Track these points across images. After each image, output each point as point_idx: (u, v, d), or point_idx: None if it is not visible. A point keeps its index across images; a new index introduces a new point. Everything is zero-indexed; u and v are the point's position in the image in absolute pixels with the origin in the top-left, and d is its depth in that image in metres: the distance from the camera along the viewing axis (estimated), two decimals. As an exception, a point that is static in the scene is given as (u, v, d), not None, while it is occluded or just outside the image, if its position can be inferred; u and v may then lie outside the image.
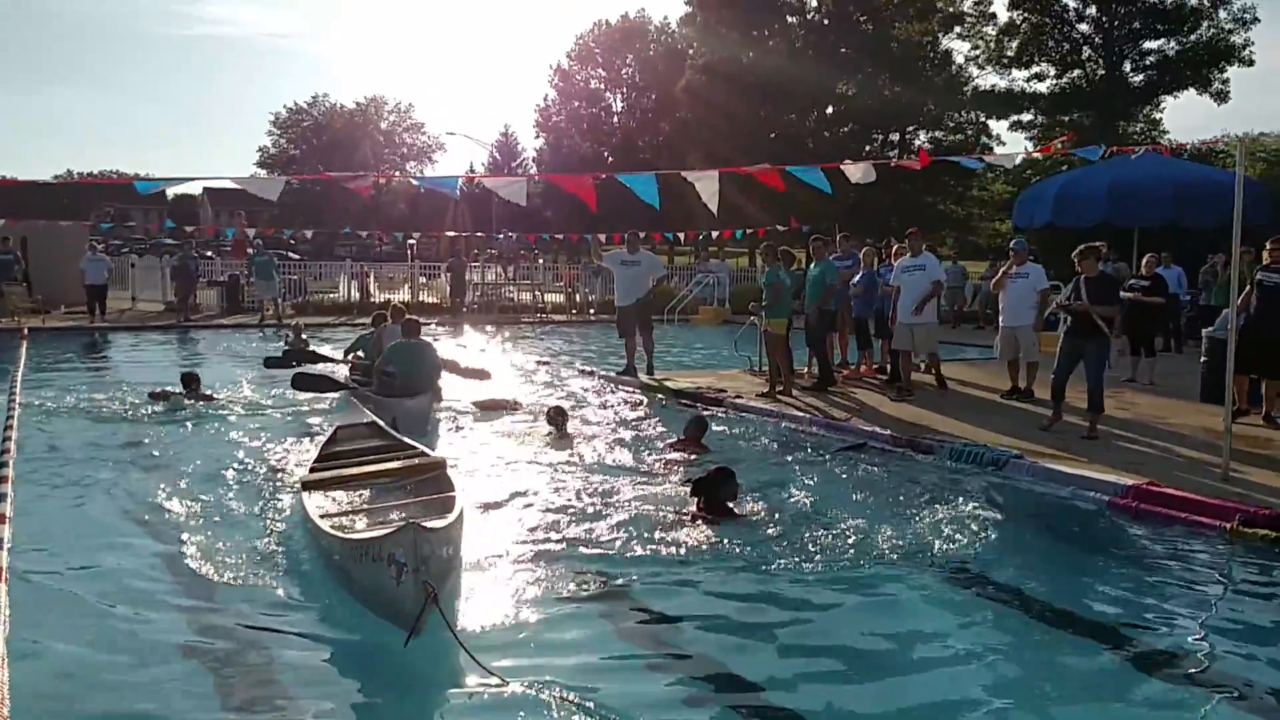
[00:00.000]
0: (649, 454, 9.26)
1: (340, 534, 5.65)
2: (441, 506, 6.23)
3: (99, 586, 5.59)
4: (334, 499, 7.04)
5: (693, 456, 8.99)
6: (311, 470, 7.53)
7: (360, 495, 7.20)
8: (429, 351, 11.25)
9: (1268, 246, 10.41)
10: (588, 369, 15.35)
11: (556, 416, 10.42)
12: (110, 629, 5.00)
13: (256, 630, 5.05)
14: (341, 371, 12.72)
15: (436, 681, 4.57)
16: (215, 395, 11.87)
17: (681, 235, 27.55)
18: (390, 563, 4.72)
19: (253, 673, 4.63)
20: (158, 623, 5.10)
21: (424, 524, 4.90)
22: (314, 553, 6.01)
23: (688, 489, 7.28)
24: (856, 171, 8.82)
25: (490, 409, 11.51)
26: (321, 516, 6.21)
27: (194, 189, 77.56)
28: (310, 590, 5.60)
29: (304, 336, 18.70)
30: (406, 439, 8.55)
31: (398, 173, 71.70)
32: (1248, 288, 10.18)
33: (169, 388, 11.89)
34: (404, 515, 6.25)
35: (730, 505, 7.00)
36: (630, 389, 13.33)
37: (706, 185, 9.41)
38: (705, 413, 10.92)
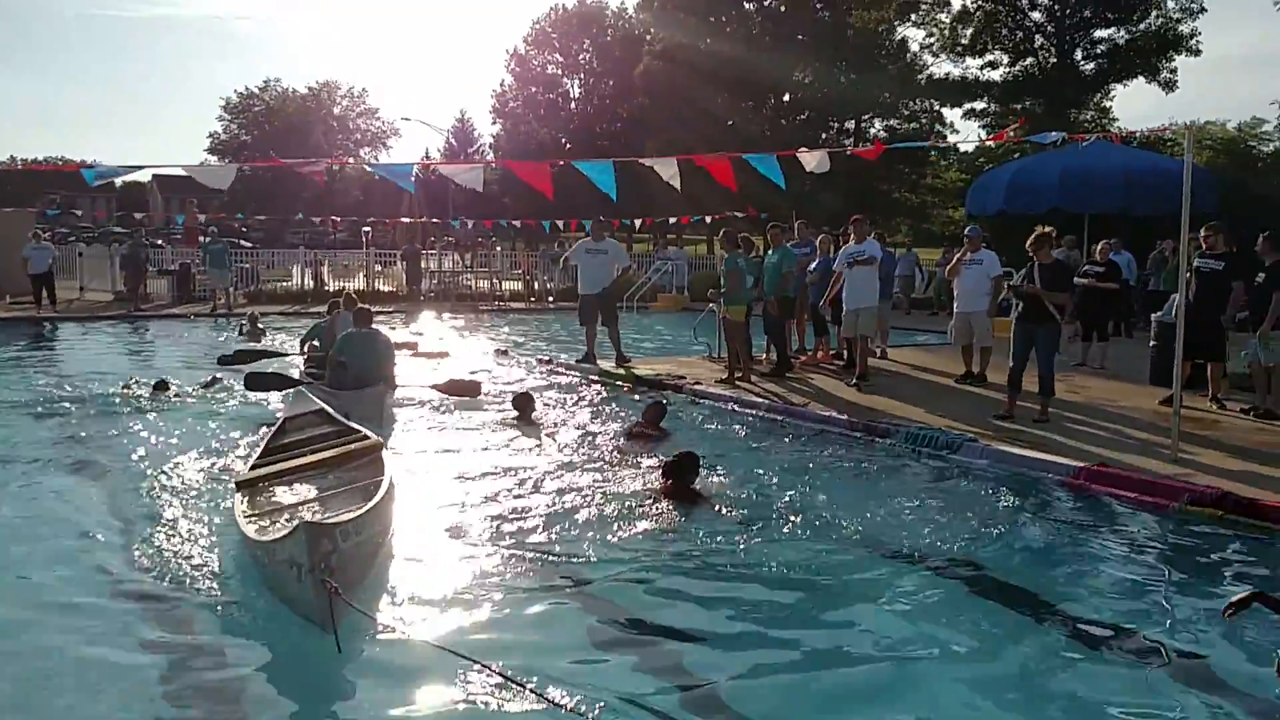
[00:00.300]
0: (610, 439, 9.29)
1: (257, 538, 5.48)
2: (368, 493, 6.10)
3: (25, 595, 5.38)
4: (268, 496, 6.86)
5: (652, 440, 9.03)
6: (252, 467, 7.40)
7: (294, 489, 7.03)
8: (380, 341, 11.11)
9: (1201, 234, 10.54)
10: (546, 357, 15.30)
11: (522, 402, 10.41)
12: (35, 641, 4.79)
13: (190, 641, 4.85)
14: (297, 364, 12.59)
15: (370, 673, 4.50)
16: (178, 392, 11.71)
17: (638, 222, 27.53)
18: (291, 564, 4.64)
19: (184, 686, 4.40)
20: (88, 632, 4.88)
21: (322, 520, 4.81)
22: (248, 558, 5.80)
23: (649, 473, 7.31)
24: (812, 160, 8.87)
25: (451, 392, 11.44)
26: (252, 516, 6.07)
27: (143, 176, 75.96)
28: (245, 598, 5.31)
29: (260, 326, 18.45)
30: (354, 424, 8.43)
31: (351, 159, 70.81)
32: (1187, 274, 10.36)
33: (167, 378, 11.98)
34: (326, 509, 6.17)
35: (694, 488, 7.05)
36: (591, 376, 13.32)
37: (665, 168, 9.41)
38: (664, 399, 10.96)
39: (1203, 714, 4.08)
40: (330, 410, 9.12)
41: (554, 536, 6.33)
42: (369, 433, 8.03)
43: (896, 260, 18.76)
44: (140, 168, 6.80)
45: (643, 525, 6.47)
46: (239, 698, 4.30)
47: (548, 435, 9.52)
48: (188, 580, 5.57)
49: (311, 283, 28.00)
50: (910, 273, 25.38)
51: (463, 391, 11.50)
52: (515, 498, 7.25)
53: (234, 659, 4.67)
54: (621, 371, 13.24)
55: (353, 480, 6.85)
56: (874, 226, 21.12)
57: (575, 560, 5.91)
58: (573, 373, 13.80)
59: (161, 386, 11.65)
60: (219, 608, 5.21)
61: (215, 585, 5.50)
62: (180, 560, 5.87)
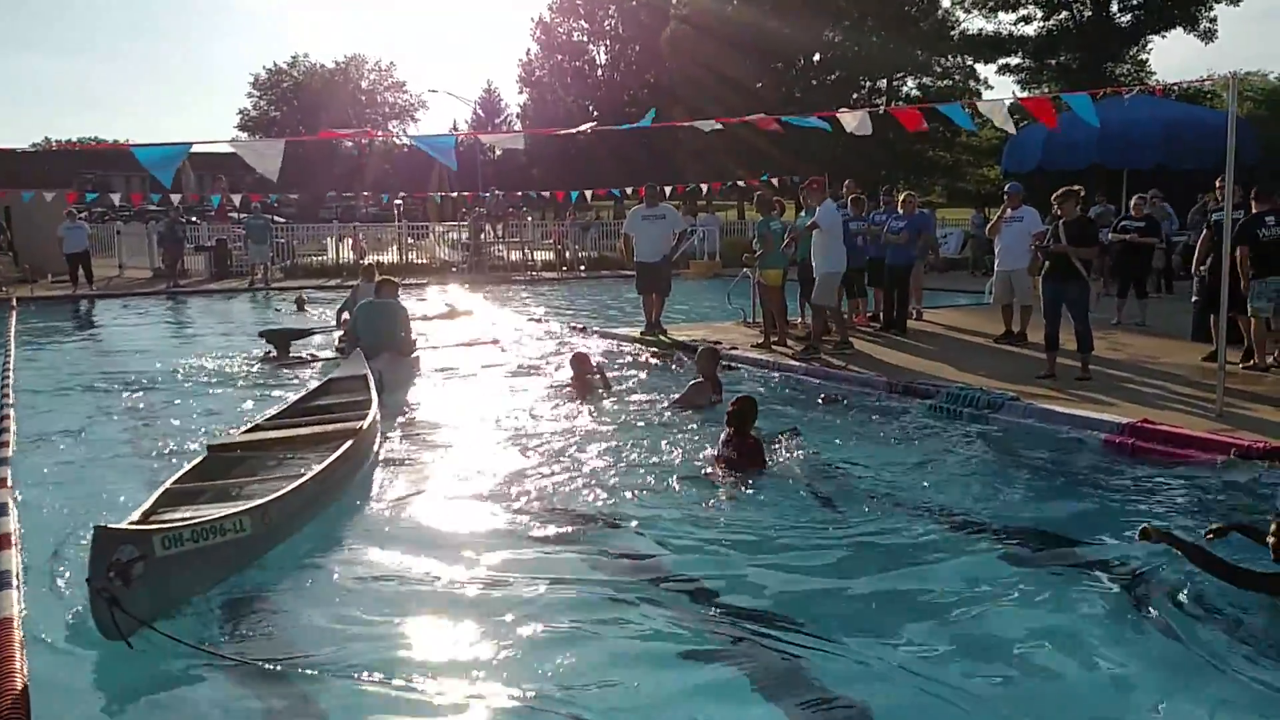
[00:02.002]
0: (663, 404, 9.25)
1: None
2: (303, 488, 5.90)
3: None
4: (229, 467, 6.76)
5: (712, 401, 8.97)
6: (250, 430, 7.46)
7: (263, 461, 6.95)
8: (393, 311, 11.06)
9: (1216, 186, 10.43)
10: (580, 325, 15.34)
11: (579, 364, 10.20)
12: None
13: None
14: (336, 336, 12.89)
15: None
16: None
17: (668, 189, 27.40)
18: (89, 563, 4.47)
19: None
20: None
21: (117, 525, 4.68)
22: None
23: (703, 430, 7.36)
24: (852, 120, 8.78)
25: (472, 346, 11.81)
26: (176, 485, 5.96)
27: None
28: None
29: (306, 308, 18.64)
30: (376, 397, 8.52)
31: (395, 131, 70.78)
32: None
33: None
34: (254, 496, 5.89)
35: (757, 439, 7.04)
36: (639, 346, 13.23)
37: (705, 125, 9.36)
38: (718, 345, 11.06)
39: (1254, 668, 4.07)
40: (370, 377, 9.21)
41: (605, 501, 6.41)
42: (369, 414, 7.85)
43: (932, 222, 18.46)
44: (189, 144, 6.83)
45: (698, 490, 6.52)
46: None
47: (601, 401, 9.50)
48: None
49: (349, 255, 28.19)
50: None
51: (480, 344, 11.87)
52: (557, 462, 7.33)
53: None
54: (655, 338, 13.22)
55: (295, 469, 6.54)
56: (908, 187, 20.94)
57: (633, 525, 5.96)
58: (609, 340, 13.81)
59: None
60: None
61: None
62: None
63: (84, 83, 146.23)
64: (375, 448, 7.60)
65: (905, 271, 13.37)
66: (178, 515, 5.34)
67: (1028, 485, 6.64)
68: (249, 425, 7.75)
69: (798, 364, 11.04)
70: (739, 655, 4.31)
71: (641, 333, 13.59)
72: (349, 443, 6.80)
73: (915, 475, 6.87)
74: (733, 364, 11.45)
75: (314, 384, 9.82)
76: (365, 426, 7.35)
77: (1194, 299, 11.74)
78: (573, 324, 15.59)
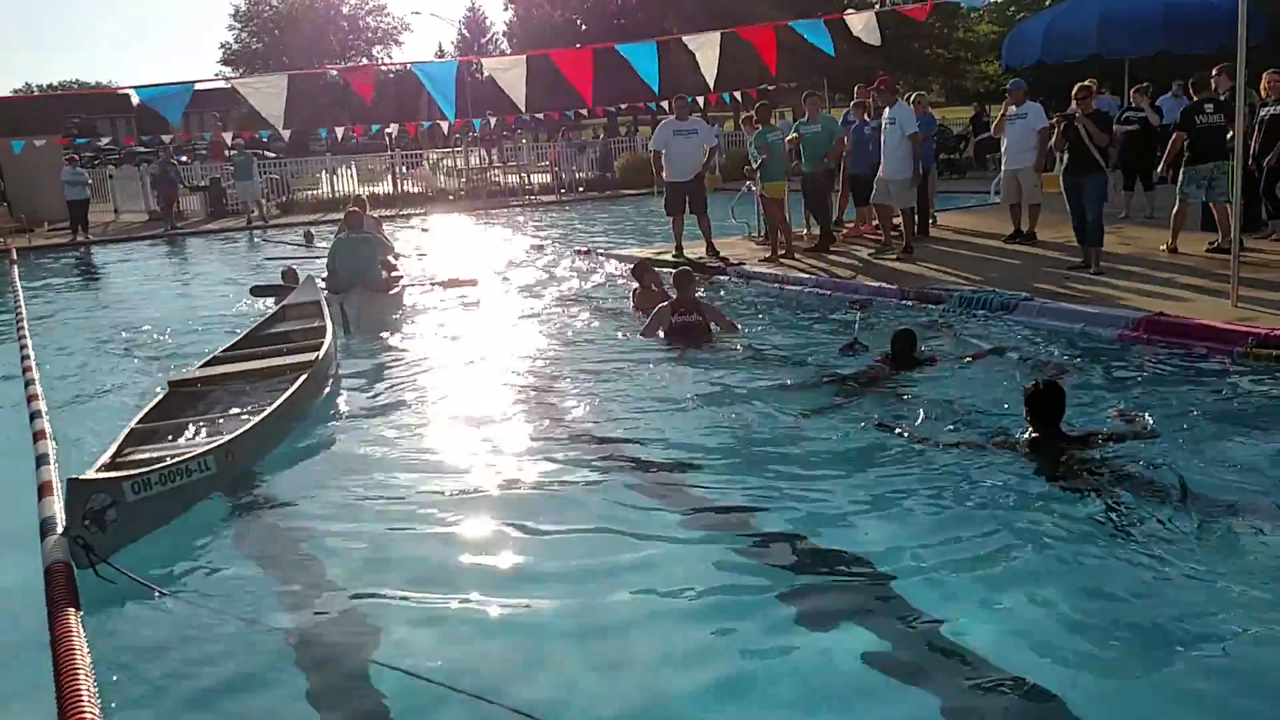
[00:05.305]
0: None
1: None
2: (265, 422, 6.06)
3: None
4: (190, 402, 6.89)
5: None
6: (208, 363, 7.63)
7: (225, 396, 7.04)
8: (367, 245, 10.92)
9: (1265, 80, 10.36)
10: (584, 249, 15.22)
11: (675, 275, 9.07)
12: None
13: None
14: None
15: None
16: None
17: (667, 104, 26.92)
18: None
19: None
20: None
21: (88, 476, 4.81)
22: None
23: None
24: (859, 22, 8.61)
25: (452, 286, 11.91)
26: (141, 424, 6.11)
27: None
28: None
29: (315, 241, 18.49)
30: (330, 324, 8.62)
31: (394, 62, 69.27)
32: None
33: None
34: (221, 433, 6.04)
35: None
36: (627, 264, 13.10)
37: (706, 54, 9.14)
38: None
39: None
40: (323, 304, 9.33)
41: (578, 427, 6.48)
42: (322, 343, 7.92)
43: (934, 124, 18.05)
44: (191, 83, 6.73)
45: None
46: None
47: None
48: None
49: (345, 187, 27.87)
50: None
51: (459, 284, 12.01)
52: (524, 390, 7.45)
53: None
54: (709, 260, 12.59)
55: (260, 400, 6.65)
56: (909, 87, 20.54)
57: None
58: (615, 262, 13.67)
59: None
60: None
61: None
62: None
63: (60, 24, 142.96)
64: (331, 377, 7.85)
65: (924, 175, 13.11)
66: (144, 455, 5.59)
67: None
68: (207, 358, 7.90)
69: (807, 276, 11.04)
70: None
71: (673, 255, 12.77)
72: (306, 375, 6.98)
73: (929, 383, 6.88)
74: (743, 279, 11.43)
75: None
76: (321, 356, 7.52)
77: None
78: (577, 248, 15.50)
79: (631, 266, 10.69)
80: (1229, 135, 9.63)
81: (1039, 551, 4.30)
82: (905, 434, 5.72)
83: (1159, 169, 11.85)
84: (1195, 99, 10.42)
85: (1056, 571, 4.15)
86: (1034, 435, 5.29)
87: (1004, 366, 7.06)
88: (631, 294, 10.23)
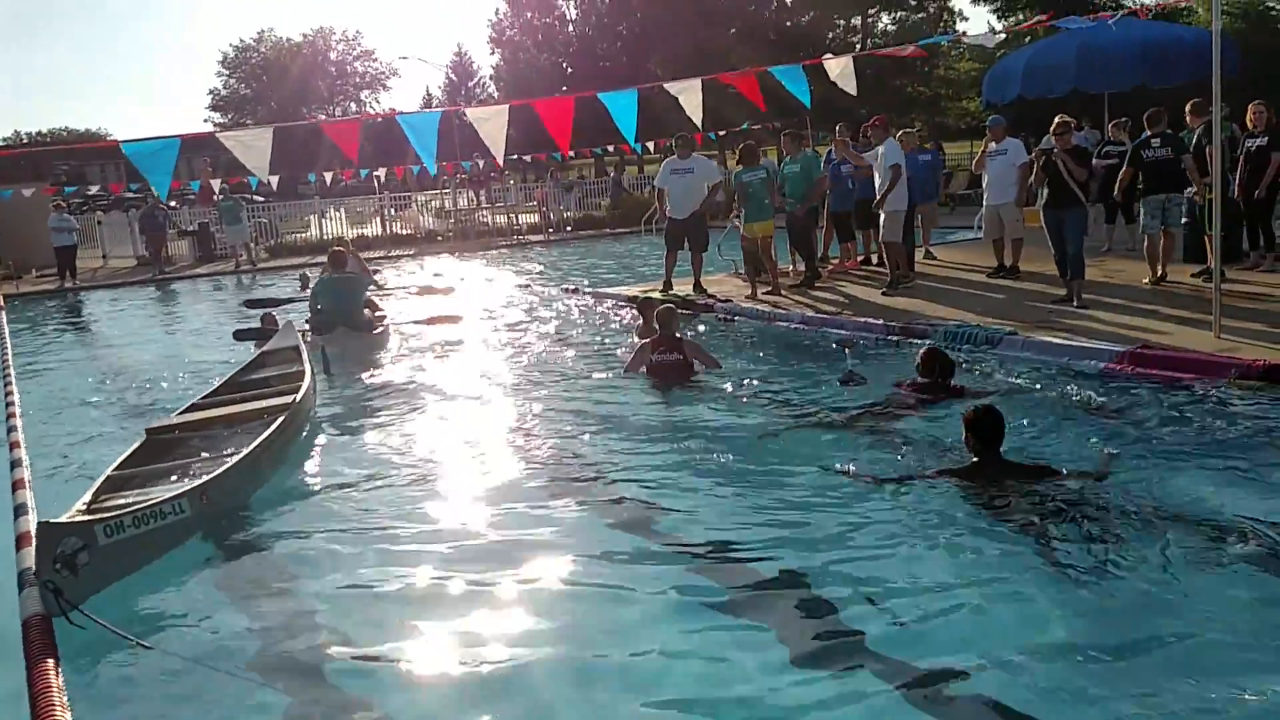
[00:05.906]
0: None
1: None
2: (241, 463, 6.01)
3: None
4: (166, 450, 6.81)
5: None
6: (186, 410, 7.58)
7: (189, 446, 6.93)
8: (350, 284, 10.97)
9: (1250, 113, 10.56)
10: (572, 286, 15.25)
11: (657, 313, 9.08)
12: None
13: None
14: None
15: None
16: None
17: (651, 145, 27.19)
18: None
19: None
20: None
21: (59, 519, 4.77)
22: None
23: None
24: (836, 67, 8.72)
25: (436, 323, 12.04)
26: (117, 471, 6.06)
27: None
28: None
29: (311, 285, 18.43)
30: (309, 367, 8.59)
31: (387, 109, 69.85)
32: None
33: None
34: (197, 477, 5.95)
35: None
36: (621, 302, 13.19)
37: (689, 98, 9.23)
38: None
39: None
40: (302, 348, 9.31)
41: (561, 466, 6.45)
42: (303, 385, 7.92)
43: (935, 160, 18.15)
44: (177, 138, 6.75)
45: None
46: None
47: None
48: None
49: (335, 229, 27.91)
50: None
51: (443, 322, 12.11)
52: (505, 428, 7.42)
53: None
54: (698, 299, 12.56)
55: (242, 445, 6.54)
56: (892, 124, 20.74)
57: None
58: (607, 300, 13.69)
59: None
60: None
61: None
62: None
63: (49, 72, 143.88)
64: (310, 419, 7.83)
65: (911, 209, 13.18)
66: (119, 501, 5.50)
67: (1030, 422, 6.61)
68: (185, 405, 7.86)
69: (793, 313, 11.07)
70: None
71: (660, 293, 12.72)
72: (283, 417, 6.95)
73: (925, 419, 6.90)
74: (730, 316, 11.47)
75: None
76: (299, 399, 7.49)
77: (1184, 219, 11.76)
78: (565, 285, 15.53)
79: (637, 303, 10.77)
80: (1183, 167, 9.98)
81: (981, 582, 4.37)
82: (851, 471, 5.75)
83: (1115, 193, 12.15)
84: (1146, 133, 10.71)
85: (1003, 598, 4.22)
86: (974, 460, 5.36)
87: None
88: (635, 329, 10.36)
